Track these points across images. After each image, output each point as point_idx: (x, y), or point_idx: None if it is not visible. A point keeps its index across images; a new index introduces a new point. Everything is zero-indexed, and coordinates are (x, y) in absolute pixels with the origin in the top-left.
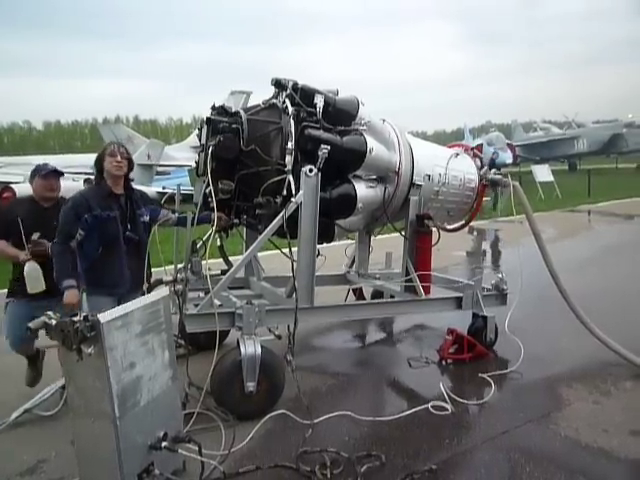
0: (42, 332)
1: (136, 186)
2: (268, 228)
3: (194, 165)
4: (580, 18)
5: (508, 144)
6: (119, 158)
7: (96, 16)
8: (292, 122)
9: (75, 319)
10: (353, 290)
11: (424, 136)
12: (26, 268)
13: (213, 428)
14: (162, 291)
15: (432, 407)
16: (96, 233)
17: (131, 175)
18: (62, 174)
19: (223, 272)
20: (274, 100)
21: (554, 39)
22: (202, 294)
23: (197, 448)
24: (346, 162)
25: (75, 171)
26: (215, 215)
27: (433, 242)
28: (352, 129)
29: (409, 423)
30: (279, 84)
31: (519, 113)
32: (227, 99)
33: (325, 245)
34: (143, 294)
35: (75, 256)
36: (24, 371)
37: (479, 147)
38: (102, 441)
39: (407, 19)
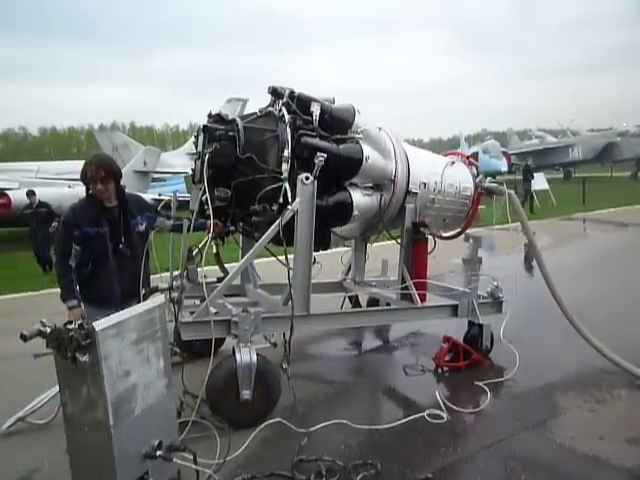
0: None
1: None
2: (264, 236)
3: (190, 172)
4: (576, 26)
5: (503, 152)
6: (99, 186)
7: (93, 23)
8: (288, 130)
9: (70, 327)
10: (349, 298)
11: (420, 144)
12: None
13: (208, 436)
14: (157, 299)
15: (428, 415)
16: (84, 249)
17: (125, 182)
18: None
19: (219, 279)
20: (271, 108)
21: (551, 47)
22: (198, 302)
23: (192, 457)
24: (342, 170)
25: (71, 177)
26: (211, 222)
27: (429, 250)
28: (348, 137)
29: (405, 431)
30: (276, 92)
31: (514, 121)
32: (224, 106)
33: (321, 252)
34: (139, 302)
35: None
36: (27, 377)
37: (474, 155)
38: (96, 450)
39: (403, 28)
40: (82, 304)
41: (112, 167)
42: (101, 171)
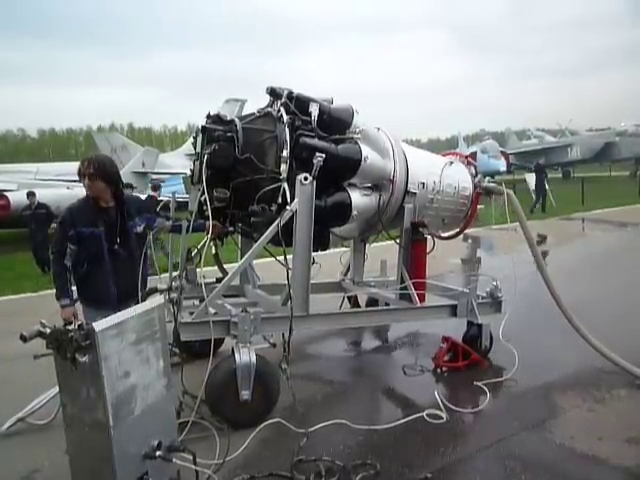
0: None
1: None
2: (263, 236)
3: (189, 173)
4: (574, 26)
5: (502, 152)
6: (86, 181)
7: (90, 24)
8: (287, 130)
9: (70, 328)
10: (348, 298)
11: (418, 144)
12: None
13: (208, 437)
14: (157, 299)
15: (427, 415)
16: (80, 249)
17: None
18: None
19: (218, 280)
20: (269, 109)
21: (549, 47)
22: (197, 302)
23: (191, 457)
24: (341, 170)
25: (70, 179)
26: (210, 223)
27: (428, 250)
28: (347, 137)
29: (404, 431)
30: (274, 93)
31: (513, 121)
32: (222, 107)
33: (320, 253)
34: (137, 303)
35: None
36: (26, 378)
37: (473, 155)
38: (96, 450)
39: (400, 28)
40: (77, 303)
41: (104, 168)
42: (91, 167)
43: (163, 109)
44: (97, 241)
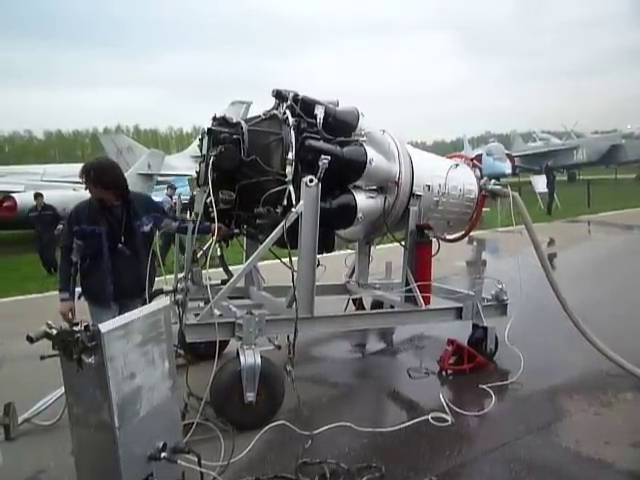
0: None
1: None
2: (268, 238)
3: (195, 175)
4: (580, 27)
5: (507, 154)
6: (85, 186)
7: (95, 25)
8: (292, 133)
9: (76, 329)
10: (353, 300)
11: (423, 146)
12: None
13: (212, 438)
14: (162, 301)
15: (432, 418)
16: (85, 244)
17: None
18: None
19: (223, 282)
20: (275, 111)
21: (553, 48)
22: (202, 304)
23: (196, 459)
24: (346, 172)
25: (76, 180)
26: (216, 225)
27: (433, 252)
28: (352, 140)
29: (409, 434)
30: (280, 95)
31: (518, 123)
32: (227, 109)
33: (325, 255)
34: (144, 303)
35: (76, 268)
36: (32, 379)
37: (478, 157)
38: (101, 451)
39: (404, 30)
40: (78, 299)
41: (102, 173)
42: (86, 175)
43: (168, 111)
44: (97, 239)
